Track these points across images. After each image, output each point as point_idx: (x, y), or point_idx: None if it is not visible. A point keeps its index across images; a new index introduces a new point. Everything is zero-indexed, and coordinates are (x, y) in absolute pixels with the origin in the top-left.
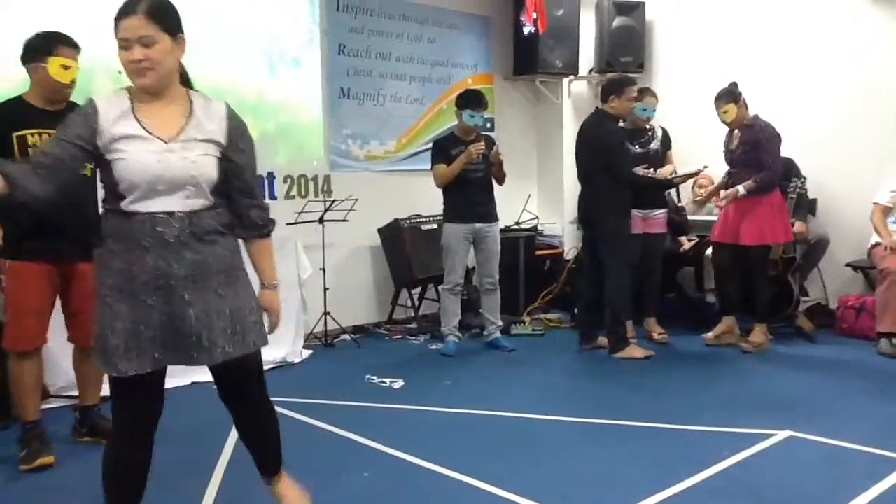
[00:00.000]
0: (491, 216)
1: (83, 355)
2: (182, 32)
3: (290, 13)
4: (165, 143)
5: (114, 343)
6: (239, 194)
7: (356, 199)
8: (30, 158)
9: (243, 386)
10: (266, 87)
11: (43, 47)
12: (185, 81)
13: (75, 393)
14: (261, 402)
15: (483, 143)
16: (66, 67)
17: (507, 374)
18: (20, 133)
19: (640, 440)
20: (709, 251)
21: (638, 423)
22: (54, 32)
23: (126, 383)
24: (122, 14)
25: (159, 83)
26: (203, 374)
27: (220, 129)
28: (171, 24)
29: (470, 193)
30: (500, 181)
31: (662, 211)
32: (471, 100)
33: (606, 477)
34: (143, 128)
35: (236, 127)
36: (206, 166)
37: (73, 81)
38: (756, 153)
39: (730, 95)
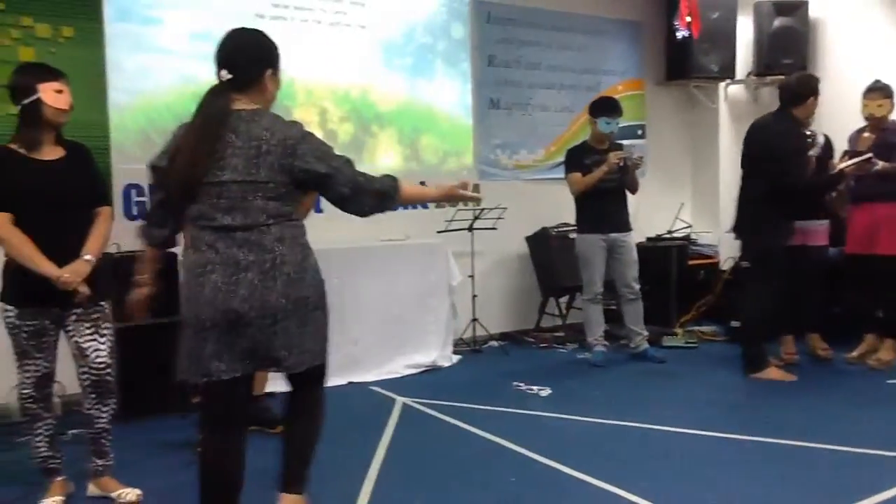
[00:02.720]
0: (625, 225)
1: None
2: None
3: (440, 26)
4: None
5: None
6: None
7: (505, 208)
8: None
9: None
10: (417, 99)
11: None
12: None
13: None
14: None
15: (623, 152)
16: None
17: (657, 386)
18: None
19: (794, 461)
20: None
21: (793, 441)
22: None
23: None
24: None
25: None
26: (360, 375)
27: None
28: None
29: (604, 203)
30: (633, 190)
31: (824, 222)
32: (606, 107)
33: (757, 499)
34: None
35: None
36: None
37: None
38: (890, 157)
39: (888, 90)
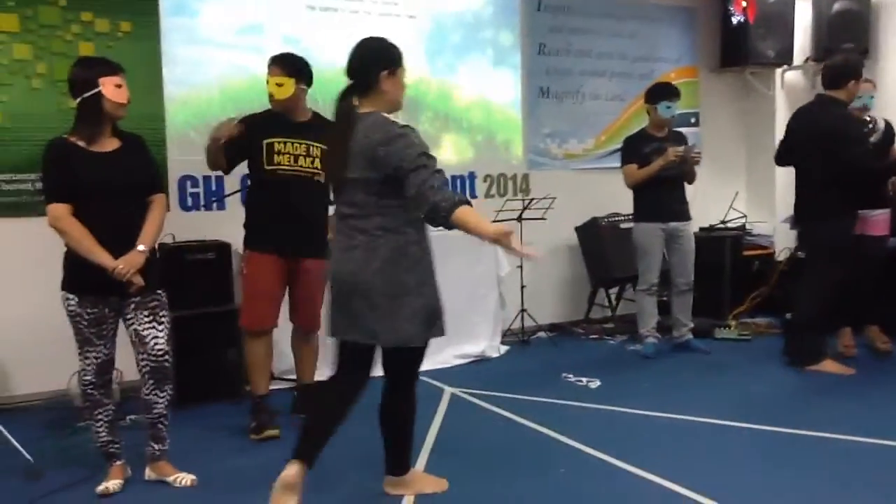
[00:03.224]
0: (684, 214)
1: (302, 338)
2: None
3: (490, 15)
4: None
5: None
6: None
7: (554, 198)
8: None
9: (418, 368)
10: (467, 89)
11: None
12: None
13: (295, 376)
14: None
15: (682, 148)
16: (267, 83)
17: (708, 378)
18: (269, 140)
19: (850, 457)
20: None
21: (848, 437)
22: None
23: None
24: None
25: None
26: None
27: None
28: None
29: (663, 192)
30: (691, 180)
31: (884, 211)
32: (665, 91)
33: (806, 495)
34: None
35: None
36: None
37: (272, 95)
38: None
39: None
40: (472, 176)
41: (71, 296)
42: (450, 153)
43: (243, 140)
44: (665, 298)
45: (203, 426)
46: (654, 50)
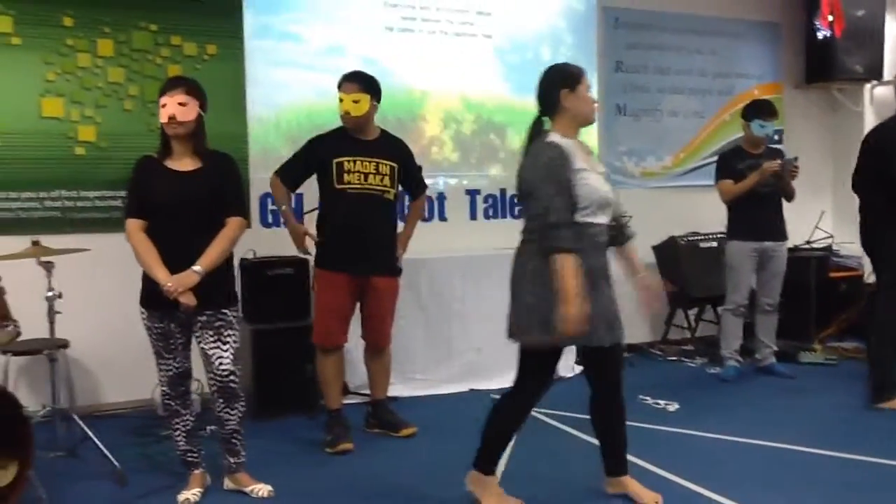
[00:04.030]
0: (780, 234)
1: (373, 354)
2: None
3: (567, 33)
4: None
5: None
6: None
7: (630, 216)
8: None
9: (619, 371)
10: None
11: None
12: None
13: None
14: (622, 394)
15: (778, 162)
16: (341, 100)
17: (791, 403)
18: (339, 160)
19: None
20: None
21: None
22: (349, 72)
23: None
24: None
25: None
26: (482, 382)
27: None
28: None
29: (758, 209)
30: (790, 197)
31: None
32: (760, 109)
33: None
34: (584, 163)
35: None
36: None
37: (348, 112)
38: None
39: None
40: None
41: (143, 310)
42: None
43: (312, 156)
44: (748, 320)
45: (281, 439)
46: (736, 66)
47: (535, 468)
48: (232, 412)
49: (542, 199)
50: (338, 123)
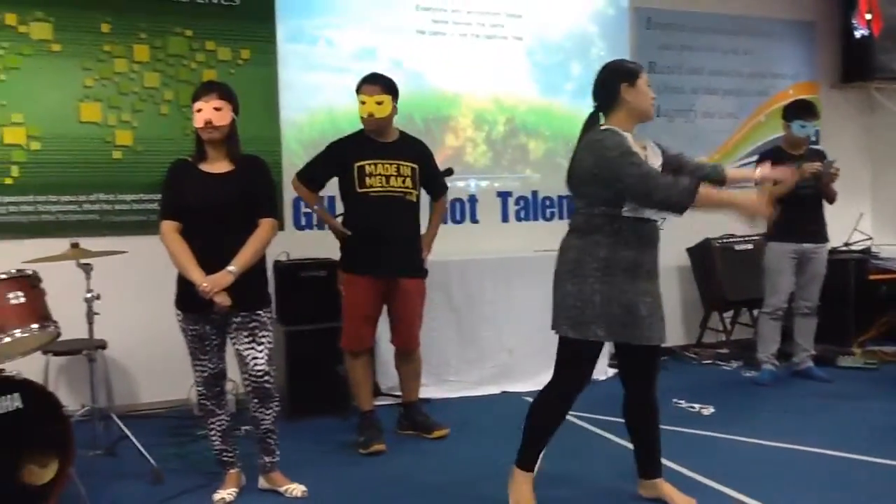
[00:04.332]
0: (820, 236)
1: (403, 357)
2: None
3: (598, 34)
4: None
5: (590, 315)
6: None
7: (664, 219)
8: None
9: (655, 369)
10: (575, 108)
11: (357, 88)
12: None
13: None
14: (656, 394)
15: (818, 164)
16: (363, 103)
17: (829, 408)
18: (360, 163)
19: None
20: None
21: None
22: (368, 74)
23: (590, 347)
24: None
25: None
26: (514, 384)
27: (660, 157)
28: None
29: (798, 211)
30: (831, 199)
31: None
32: (801, 110)
33: None
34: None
35: (662, 149)
36: None
37: (372, 115)
38: None
39: None
40: None
41: (178, 312)
42: (557, 173)
43: (332, 161)
44: (786, 324)
45: (314, 440)
46: (771, 66)
47: (568, 469)
48: (267, 412)
49: (626, 175)
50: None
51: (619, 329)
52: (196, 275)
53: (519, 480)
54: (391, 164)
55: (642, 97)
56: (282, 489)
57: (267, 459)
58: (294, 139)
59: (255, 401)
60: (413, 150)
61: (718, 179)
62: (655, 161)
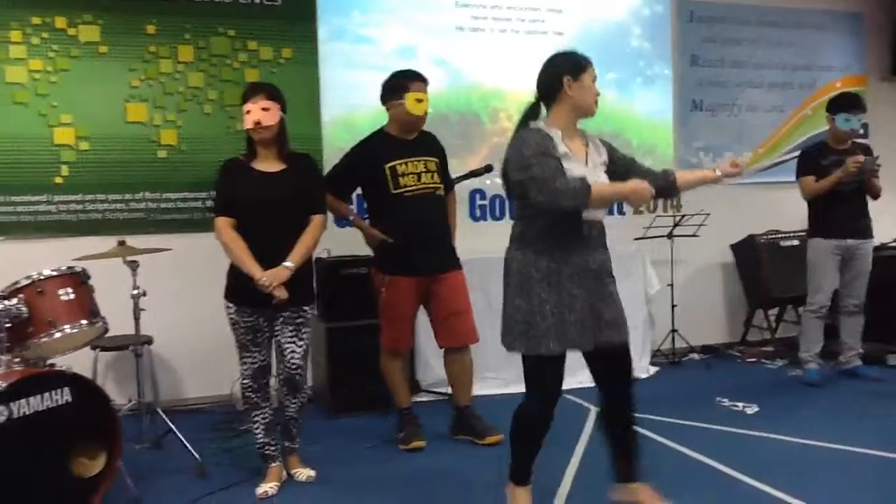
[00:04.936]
0: (864, 232)
1: (455, 356)
2: None
3: (639, 28)
4: (585, 165)
5: (544, 327)
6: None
7: (707, 214)
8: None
9: (628, 371)
10: (615, 103)
11: (400, 85)
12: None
13: (443, 389)
14: (633, 396)
15: (862, 158)
16: (419, 101)
17: (879, 408)
18: (391, 164)
19: None
20: None
21: None
22: (407, 71)
23: (547, 361)
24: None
25: None
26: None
27: (604, 153)
28: None
29: (841, 206)
30: (875, 194)
31: None
32: (845, 103)
33: None
34: (569, 150)
35: (609, 147)
36: None
37: (426, 113)
38: None
39: None
40: None
41: (230, 304)
42: None
43: (359, 166)
44: (830, 322)
45: (356, 436)
46: (817, 58)
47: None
48: (294, 400)
49: (527, 178)
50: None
51: (574, 338)
52: (255, 269)
53: (516, 496)
54: (419, 161)
55: (585, 92)
56: (293, 472)
57: (287, 443)
58: (335, 138)
59: (285, 389)
60: (433, 144)
61: (667, 185)
62: (598, 158)
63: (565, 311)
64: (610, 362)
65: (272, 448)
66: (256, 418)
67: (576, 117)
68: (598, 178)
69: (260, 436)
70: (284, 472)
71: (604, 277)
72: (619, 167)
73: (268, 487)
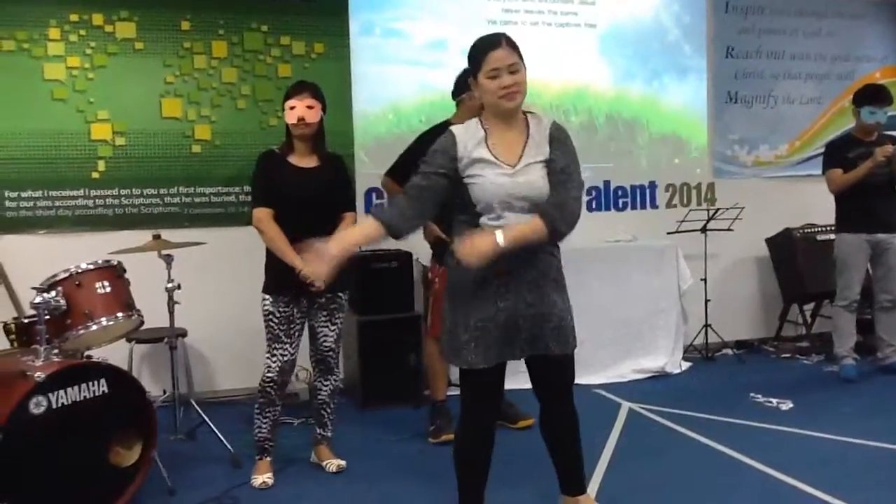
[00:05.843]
0: (894, 225)
1: None
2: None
3: (673, 20)
4: (512, 167)
5: (464, 339)
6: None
7: (742, 208)
8: (400, 199)
9: (564, 385)
10: (649, 95)
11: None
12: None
13: None
14: (572, 406)
15: (891, 148)
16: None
17: None
18: None
19: None
20: None
21: None
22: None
23: (473, 374)
24: (490, 47)
25: (520, 105)
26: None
27: (546, 145)
28: (521, 55)
29: (869, 200)
30: None
31: None
32: (871, 95)
33: None
34: (493, 154)
35: (557, 138)
36: (543, 187)
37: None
38: None
39: None
40: (652, 185)
41: (267, 297)
42: (630, 162)
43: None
44: (867, 316)
45: (385, 428)
46: (856, 48)
47: (640, 463)
48: (325, 383)
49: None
50: (443, 117)
51: (501, 348)
52: (296, 260)
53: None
54: None
55: (486, 93)
56: (323, 462)
57: (319, 431)
58: (366, 132)
59: (317, 371)
60: None
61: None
62: (538, 155)
63: (489, 323)
64: (548, 370)
65: (271, 444)
66: (268, 414)
67: (491, 116)
68: (527, 178)
69: (265, 431)
70: (315, 458)
71: (539, 285)
72: (552, 177)
73: (265, 478)
